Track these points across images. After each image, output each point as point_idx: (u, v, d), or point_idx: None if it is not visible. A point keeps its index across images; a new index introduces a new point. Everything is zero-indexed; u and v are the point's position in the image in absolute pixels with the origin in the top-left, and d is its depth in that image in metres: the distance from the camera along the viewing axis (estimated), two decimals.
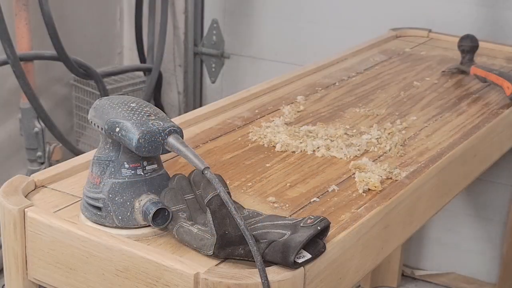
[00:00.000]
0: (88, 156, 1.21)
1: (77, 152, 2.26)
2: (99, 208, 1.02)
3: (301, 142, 1.32)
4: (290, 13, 2.46)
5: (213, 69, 2.66)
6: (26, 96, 2.14)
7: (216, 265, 0.95)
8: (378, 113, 1.50)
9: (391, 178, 1.21)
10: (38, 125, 2.24)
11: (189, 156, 0.97)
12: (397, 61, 1.87)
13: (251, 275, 0.91)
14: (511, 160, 2.16)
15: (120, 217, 1.01)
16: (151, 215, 0.98)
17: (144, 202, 1.00)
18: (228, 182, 1.07)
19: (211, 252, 0.95)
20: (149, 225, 1.01)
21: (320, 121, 1.43)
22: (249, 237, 0.90)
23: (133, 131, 0.97)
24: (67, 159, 1.24)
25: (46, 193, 1.13)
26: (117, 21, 2.72)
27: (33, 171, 2.13)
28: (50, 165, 2.22)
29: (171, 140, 0.99)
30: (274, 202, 1.12)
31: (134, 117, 0.99)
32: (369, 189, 1.16)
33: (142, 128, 0.97)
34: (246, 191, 1.16)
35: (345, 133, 1.37)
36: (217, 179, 0.94)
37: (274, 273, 0.91)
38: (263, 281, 0.89)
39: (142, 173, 1.01)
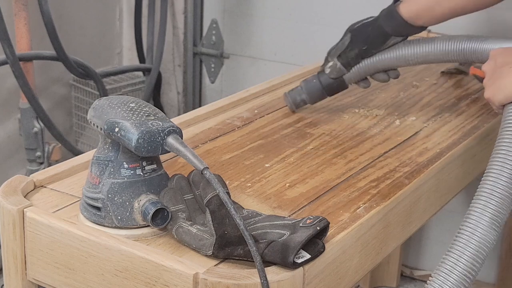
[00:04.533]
0: (88, 156, 1.21)
1: (76, 152, 2.26)
2: (98, 208, 1.02)
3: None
4: (290, 13, 2.46)
5: (213, 69, 2.66)
6: (25, 96, 2.14)
7: (215, 265, 0.95)
8: (378, 113, 1.50)
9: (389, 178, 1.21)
10: (38, 125, 2.24)
11: (188, 156, 0.97)
12: None
13: (250, 275, 0.91)
14: None
15: (119, 217, 1.01)
16: (150, 215, 0.98)
17: (143, 202, 1.00)
18: (227, 182, 1.07)
19: (210, 252, 0.95)
20: (148, 225, 1.01)
21: (319, 121, 1.43)
22: (248, 237, 0.90)
23: (132, 131, 0.97)
24: (67, 159, 1.24)
25: (45, 193, 1.13)
26: (116, 21, 2.72)
27: (32, 171, 2.13)
28: (50, 165, 2.22)
29: (171, 140, 0.98)
30: (273, 202, 1.12)
31: (133, 117, 0.99)
32: None
33: (142, 128, 0.97)
34: (245, 191, 1.16)
35: None
36: (216, 179, 0.94)
37: (273, 273, 0.91)
38: (262, 281, 0.89)
39: (141, 173, 1.01)
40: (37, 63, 2.28)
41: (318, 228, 0.94)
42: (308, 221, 0.95)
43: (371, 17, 1.45)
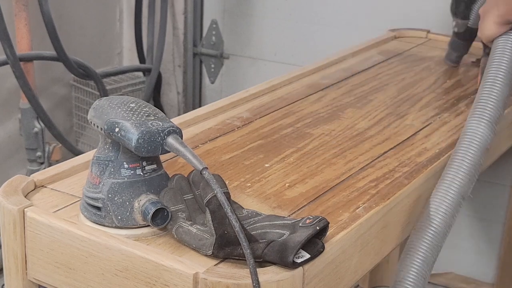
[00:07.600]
0: (88, 156, 1.21)
1: (76, 152, 2.26)
2: (98, 208, 1.02)
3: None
4: (290, 13, 2.46)
5: (213, 70, 2.67)
6: (25, 96, 2.15)
7: (215, 265, 0.95)
8: (377, 113, 1.50)
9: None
10: (38, 125, 2.24)
11: (188, 157, 0.97)
12: (395, 62, 1.87)
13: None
14: (509, 161, 2.17)
15: (119, 217, 1.01)
16: (150, 215, 0.99)
17: (144, 202, 1.00)
18: (227, 182, 1.08)
19: (210, 252, 0.96)
20: (148, 225, 1.01)
21: (319, 122, 1.44)
22: (243, 239, 0.90)
23: (132, 131, 0.98)
24: (67, 159, 1.24)
25: (46, 193, 1.14)
26: (116, 22, 2.72)
27: (33, 171, 2.13)
28: (50, 165, 2.22)
29: (170, 140, 0.99)
30: (273, 202, 1.12)
31: (133, 118, 1.00)
32: None
33: (142, 129, 0.98)
34: (245, 191, 1.16)
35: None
36: (214, 180, 0.94)
37: (273, 273, 0.92)
38: (254, 284, 0.89)
39: (141, 173, 1.02)
40: (37, 63, 2.29)
41: (317, 228, 0.94)
42: (308, 221, 0.95)
43: None
